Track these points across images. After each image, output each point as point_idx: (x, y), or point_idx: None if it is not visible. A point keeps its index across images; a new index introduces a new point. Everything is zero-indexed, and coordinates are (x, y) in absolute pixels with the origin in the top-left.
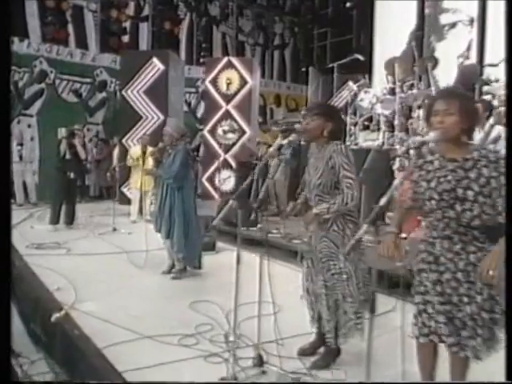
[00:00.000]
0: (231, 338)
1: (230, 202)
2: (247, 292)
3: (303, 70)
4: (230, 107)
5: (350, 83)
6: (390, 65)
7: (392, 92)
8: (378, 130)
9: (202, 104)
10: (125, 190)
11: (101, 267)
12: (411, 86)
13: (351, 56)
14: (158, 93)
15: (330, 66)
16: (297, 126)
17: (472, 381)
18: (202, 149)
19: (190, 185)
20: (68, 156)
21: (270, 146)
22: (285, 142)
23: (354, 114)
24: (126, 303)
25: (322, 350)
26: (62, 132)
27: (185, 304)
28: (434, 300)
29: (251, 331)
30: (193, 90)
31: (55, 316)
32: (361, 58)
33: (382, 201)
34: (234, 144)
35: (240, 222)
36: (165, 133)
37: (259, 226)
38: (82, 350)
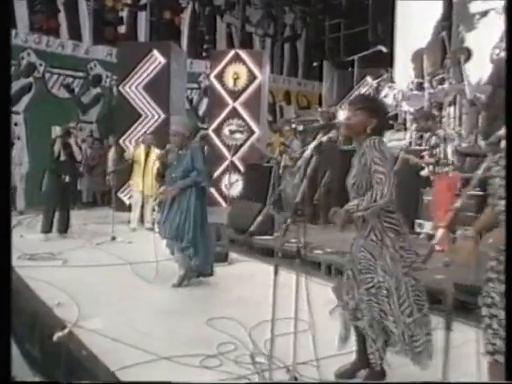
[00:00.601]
0: (259, 359)
1: (266, 207)
2: (267, 307)
3: (315, 64)
4: (237, 104)
5: (369, 78)
6: (417, 57)
7: (420, 87)
8: (405, 129)
9: (205, 101)
10: (122, 195)
11: (103, 280)
12: (441, 81)
13: (374, 47)
14: (158, 88)
15: (350, 58)
16: (340, 119)
17: None
18: (205, 150)
19: (203, 188)
20: (63, 157)
21: (286, 145)
22: (324, 138)
23: None
24: (136, 319)
25: (363, 372)
26: (57, 130)
27: (201, 320)
28: (500, 315)
29: (280, 351)
30: (195, 85)
31: (57, 335)
32: (384, 49)
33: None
34: (241, 145)
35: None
36: (174, 133)
37: (276, 234)
38: (92, 372)
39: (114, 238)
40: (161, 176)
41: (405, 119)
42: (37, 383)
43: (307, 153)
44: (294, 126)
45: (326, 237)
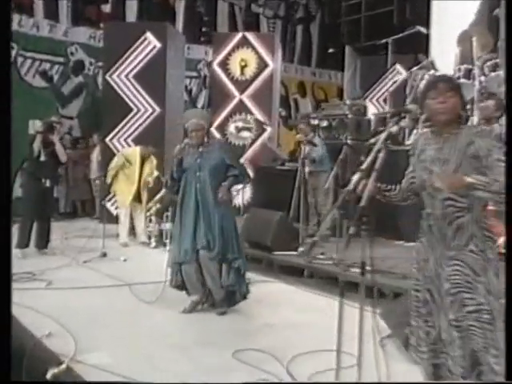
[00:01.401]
0: None
1: (333, 211)
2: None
3: (331, 51)
4: (244, 97)
5: (398, 66)
6: (465, 39)
7: (468, 75)
8: None
9: (204, 93)
10: (108, 204)
11: (99, 305)
12: (494, 67)
13: (411, 29)
14: (153, 78)
15: (383, 41)
16: (410, 106)
17: None
18: None
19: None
20: (43, 157)
21: (313, 143)
22: (395, 129)
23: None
24: (148, 352)
25: None
26: (36, 125)
27: (226, 352)
28: None
29: None
30: (194, 73)
31: (52, 372)
32: (424, 30)
33: None
34: (250, 145)
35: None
36: (196, 127)
37: (300, 249)
38: None
39: (104, 255)
40: (173, 179)
41: None
42: (37, 383)
43: (376, 147)
44: (316, 121)
45: (355, 252)
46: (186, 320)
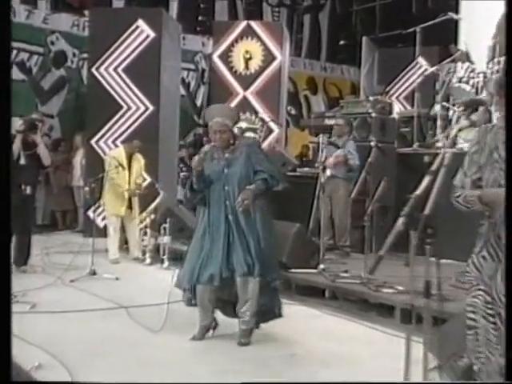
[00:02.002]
0: None
1: (399, 220)
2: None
3: (342, 43)
4: (249, 94)
5: (421, 59)
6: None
7: None
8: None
9: (202, 89)
10: (94, 215)
11: (94, 331)
12: None
13: (442, 16)
14: (145, 71)
15: (411, 30)
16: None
17: None
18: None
19: (264, 204)
20: (23, 160)
21: (335, 145)
22: (465, 123)
23: (447, 100)
24: None
25: None
26: (16, 124)
27: None
28: None
29: None
30: (191, 66)
31: None
32: (456, 17)
33: None
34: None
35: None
36: (220, 127)
37: (321, 266)
38: None
39: (93, 273)
40: (193, 191)
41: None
42: (37, 383)
43: (448, 143)
44: (332, 121)
45: (386, 270)
46: (197, 347)
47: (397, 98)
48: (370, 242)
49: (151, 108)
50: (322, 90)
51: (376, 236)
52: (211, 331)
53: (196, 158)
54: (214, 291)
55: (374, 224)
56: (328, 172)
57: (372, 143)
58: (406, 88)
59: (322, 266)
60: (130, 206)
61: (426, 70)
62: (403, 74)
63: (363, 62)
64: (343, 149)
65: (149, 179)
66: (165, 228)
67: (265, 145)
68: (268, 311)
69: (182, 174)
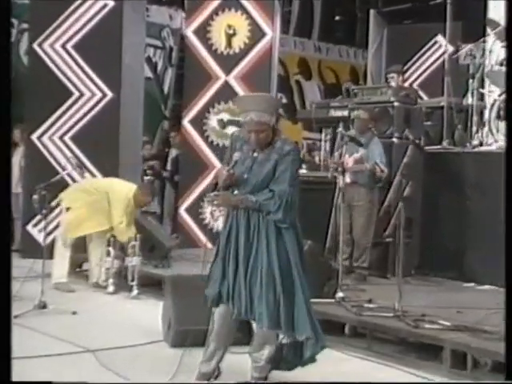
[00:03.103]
0: None
1: None
2: None
3: (338, 18)
4: (231, 78)
5: (440, 38)
6: None
7: None
8: None
9: (170, 72)
10: (34, 230)
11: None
12: None
13: None
14: (102, 49)
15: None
16: None
17: None
18: (173, 154)
19: (295, 221)
20: None
21: (357, 142)
22: None
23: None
24: None
25: None
26: None
27: None
28: None
29: None
30: (157, 42)
31: None
32: None
33: None
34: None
35: None
36: (256, 127)
37: (339, 294)
38: None
39: (43, 306)
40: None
41: None
42: (37, 383)
43: None
44: (340, 112)
45: (418, 298)
46: None
47: (410, 84)
48: (393, 262)
49: (110, 95)
50: (317, 75)
51: (400, 255)
52: (212, 380)
53: (223, 173)
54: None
55: (398, 240)
56: (347, 178)
57: (395, 139)
58: (423, 72)
59: (340, 295)
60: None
61: (445, 51)
62: (418, 55)
63: (370, 41)
64: (366, 149)
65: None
66: (134, 246)
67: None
68: (290, 359)
69: (146, 178)
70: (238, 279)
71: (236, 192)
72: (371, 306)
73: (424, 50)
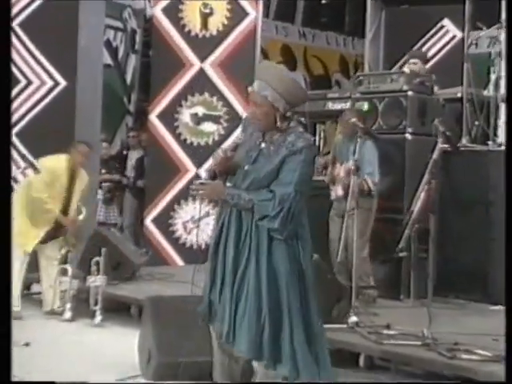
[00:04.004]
0: None
1: None
2: None
3: (325, 1)
4: (208, 65)
5: (447, 21)
6: None
7: None
8: None
9: (134, 58)
10: None
11: None
12: None
13: None
14: (54, 29)
15: None
16: None
17: None
18: (137, 155)
19: (306, 231)
20: None
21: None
22: None
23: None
24: None
25: None
26: None
27: None
28: None
29: None
30: (118, 23)
31: None
32: None
33: None
34: (218, 144)
35: None
36: (255, 98)
37: (353, 319)
38: None
39: None
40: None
41: None
42: (37, 383)
43: None
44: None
45: (445, 323)
46: None
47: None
48: (408, 281)
49: (63, 83)
50: (303, 65)
51: (415, 272)
52: None
53: (220, 156)
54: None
55: (413, 255)
56: (339, 190)
57: (408, 135)
58: (428, 61)
59: (354, 319)
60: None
61: (454, 36)
62: (422, 41)
63: (368, 26)
64: (358, 156)
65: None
66: (97, 263)
67: (229, 142)
68: None
69: (103, 184)
70: (224, 292)
71: (229, 184)
72: (391, 332)
73: (429, 35)
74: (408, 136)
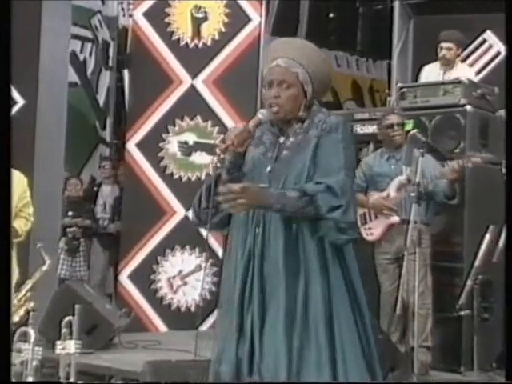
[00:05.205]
0: None
1: None
2: None
3: (332, 16)
4: (200, 82)
5: (489, 33)
6: None
7: None
8: None
9: (108, 74)
10: None
11: None
12: None
13: None
14: (13, 37)
15: None
16: None
17: None
18: (109, 192)
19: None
20: None
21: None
22: None
23: None
24: None
25: None
26: None
27: None
28: None
29: None
30: (85, 32)
31: None
32: None
33: None
34: (215, 181)
35: None
36: (282, 76)
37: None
38: None
39: None
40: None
41: None
42: (37, 383)
43: None
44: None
45: None
46: None
47: None
48: (471, 348)
49: (21, 102)
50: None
51: (480, 336)
52: None
53: (238, 127)
54: None
55: (476, 314)
56: (394, 217)
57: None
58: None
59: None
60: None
61: (498, 52)
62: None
63: (395, 37)
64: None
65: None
66: (69, 325)
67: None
68: None
69: (69, 229)
70: (262, 344)
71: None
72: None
73: (468, 51)
74: (473, 160)
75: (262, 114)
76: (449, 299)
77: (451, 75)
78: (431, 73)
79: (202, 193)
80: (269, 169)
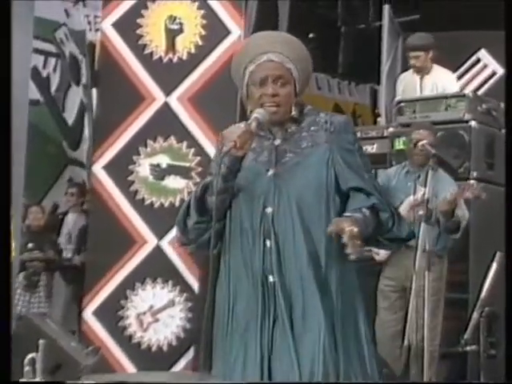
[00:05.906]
0: None
1: None
2: None
3: (312, 36)
4: (174, 99)
5: (484, 52)
6: None
7: None
8: None
9: (80, 90)
10: None
11: None
12: None
13: None
14: None
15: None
16: None
17: None
18: (75, 221)
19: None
20: None
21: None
22: None
23: None
24: None
25: None
26: None
27: None
28: None
29: None
30: (49, 47)
31: None
32: None
33: None
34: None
35: None
36: (276, 71)
37: None
38: None
39: None
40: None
41: None
42: (37, 383)
43: None
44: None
45: None
46: None
47: None
48: None
49: None
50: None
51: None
52: None
53: (237, 128)
54: None
55: (482, 349)
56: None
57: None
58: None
59: None
60: None
61: (494, 72)
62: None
63: (385, 55)
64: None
65: None
66: (33, 362)
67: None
68: None
69: (28, 264)
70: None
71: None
72: None
73: (461, 70)
74: (473, 182)
75: (259, 113)
76: (454, 333)
77: (429, 80)
78: (407, 81)
79: (189, 206)
80: (271, 172)
